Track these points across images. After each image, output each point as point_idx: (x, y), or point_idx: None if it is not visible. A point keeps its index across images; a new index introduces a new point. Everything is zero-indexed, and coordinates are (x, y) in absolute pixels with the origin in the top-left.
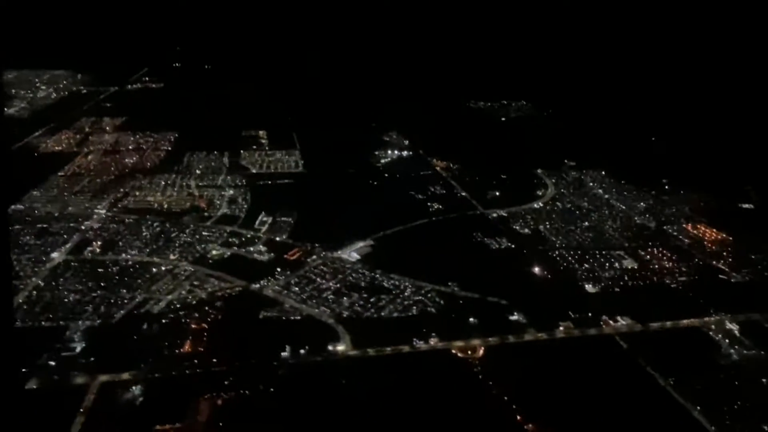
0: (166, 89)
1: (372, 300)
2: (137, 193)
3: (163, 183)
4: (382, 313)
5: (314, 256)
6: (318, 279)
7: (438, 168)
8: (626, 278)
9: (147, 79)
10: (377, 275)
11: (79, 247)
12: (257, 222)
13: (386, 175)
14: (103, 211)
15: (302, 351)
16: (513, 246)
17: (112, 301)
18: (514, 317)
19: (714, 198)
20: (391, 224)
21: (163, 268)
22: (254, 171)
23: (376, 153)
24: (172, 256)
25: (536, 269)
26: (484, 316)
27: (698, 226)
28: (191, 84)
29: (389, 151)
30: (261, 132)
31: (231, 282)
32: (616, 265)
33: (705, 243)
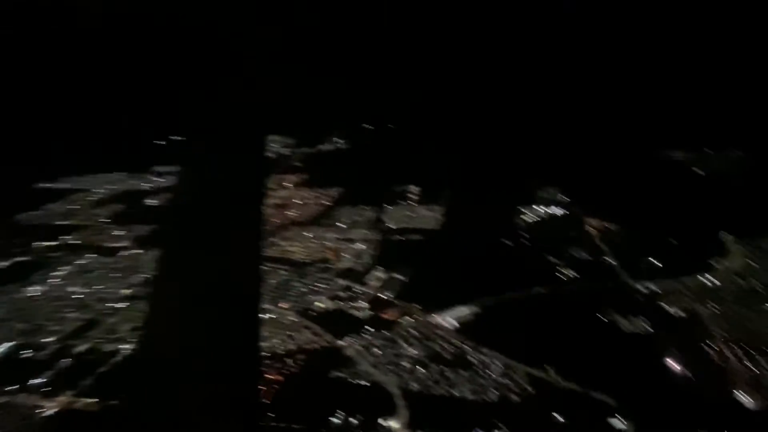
0: (351, 149)
1: (449, 375)
2: (282, 243)
3: (307, 235)
4: (455, 393)
5: (409, 318)
6: (403, 343)
7: (590, 229)
8: None
9: (337, 140)
10: (466, 347)
11: None
12: (369, 277)
13: (525, 234)
14: None
15: (353, 420)
16: (653, 330)
17: None
18: (619, 424)
19: None
20: (508, 290)
21: (271, 316)
22: (392, 226)
23: (524, 209)
24: (282, 305)
25: (675, 365)
26: (578, 416)
27: None
28: (375, 144)
29: (539, 208)
30: (413, 186)
31: (321, 336)
32: None
33: None
